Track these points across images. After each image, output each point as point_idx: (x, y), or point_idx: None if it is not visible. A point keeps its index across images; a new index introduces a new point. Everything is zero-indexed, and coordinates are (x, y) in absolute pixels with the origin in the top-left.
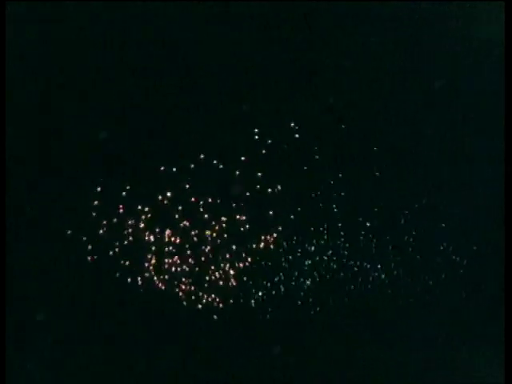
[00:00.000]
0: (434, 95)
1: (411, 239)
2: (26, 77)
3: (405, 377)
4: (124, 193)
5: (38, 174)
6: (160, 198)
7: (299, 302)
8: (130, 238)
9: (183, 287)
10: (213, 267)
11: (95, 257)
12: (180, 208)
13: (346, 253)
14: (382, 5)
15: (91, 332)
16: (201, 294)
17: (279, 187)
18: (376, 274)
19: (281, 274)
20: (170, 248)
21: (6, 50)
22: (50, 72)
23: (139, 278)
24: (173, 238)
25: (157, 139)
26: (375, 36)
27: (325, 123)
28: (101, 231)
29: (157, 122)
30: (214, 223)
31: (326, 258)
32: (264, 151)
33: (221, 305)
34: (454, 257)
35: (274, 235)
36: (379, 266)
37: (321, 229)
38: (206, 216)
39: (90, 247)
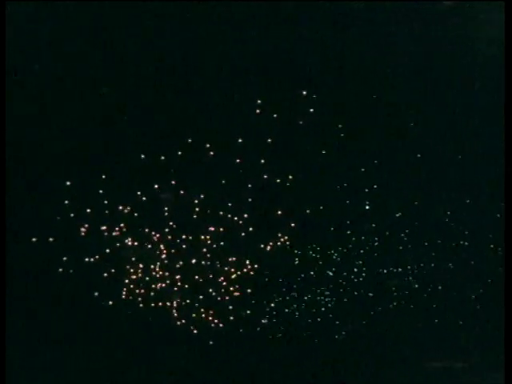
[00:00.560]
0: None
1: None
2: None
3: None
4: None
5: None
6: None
7: None
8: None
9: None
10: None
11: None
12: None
13: None
14: (382, 5)
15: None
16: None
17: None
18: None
19: None
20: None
21: (5, 50)
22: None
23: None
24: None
25: (154, 139)
26: (374, 36)
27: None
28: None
29: (157, 122)
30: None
31: None
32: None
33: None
34: None
35: None
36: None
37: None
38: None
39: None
